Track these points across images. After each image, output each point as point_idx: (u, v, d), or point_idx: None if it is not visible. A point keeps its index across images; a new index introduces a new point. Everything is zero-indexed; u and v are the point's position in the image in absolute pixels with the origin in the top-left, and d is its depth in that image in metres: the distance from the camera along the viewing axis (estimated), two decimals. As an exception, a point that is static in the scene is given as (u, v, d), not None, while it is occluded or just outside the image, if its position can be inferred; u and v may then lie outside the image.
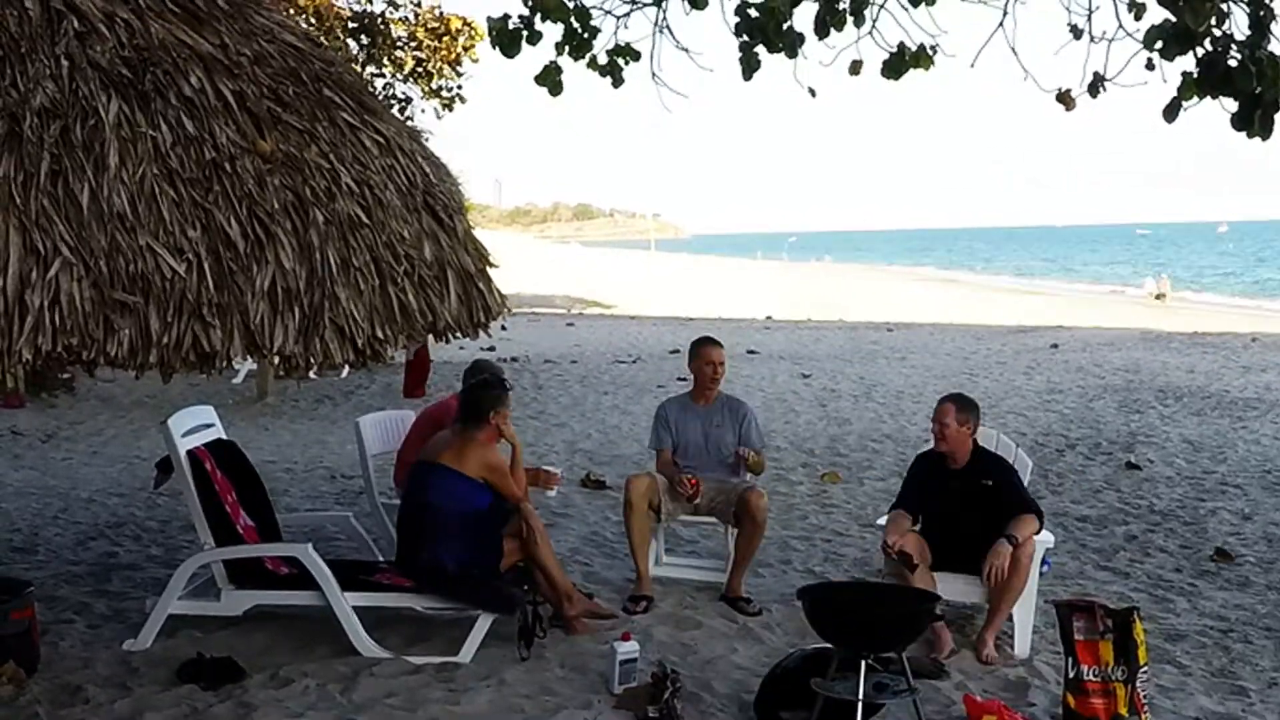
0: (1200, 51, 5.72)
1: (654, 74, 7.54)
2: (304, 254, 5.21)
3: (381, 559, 7.54)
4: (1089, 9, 6.62)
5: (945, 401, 6.97)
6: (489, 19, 7.47)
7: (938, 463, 7.01)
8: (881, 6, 7.10)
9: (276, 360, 5.26)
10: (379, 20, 19.95)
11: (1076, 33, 6.74)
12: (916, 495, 7.05)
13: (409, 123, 11.23)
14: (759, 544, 7.54)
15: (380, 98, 7.14)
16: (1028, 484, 7.31)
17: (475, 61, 20.75)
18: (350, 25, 19.56)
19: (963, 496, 6.82)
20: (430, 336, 6.09)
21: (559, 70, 7.52)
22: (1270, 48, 5.63)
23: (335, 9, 19.07)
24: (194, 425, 7.12)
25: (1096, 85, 6.62)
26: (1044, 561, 7.18)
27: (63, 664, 6.31)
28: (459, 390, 8.34)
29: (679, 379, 17.71)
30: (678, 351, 21.87)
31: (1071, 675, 5.73)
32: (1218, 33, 5.66)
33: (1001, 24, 6.80)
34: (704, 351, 7.83)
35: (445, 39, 20.11)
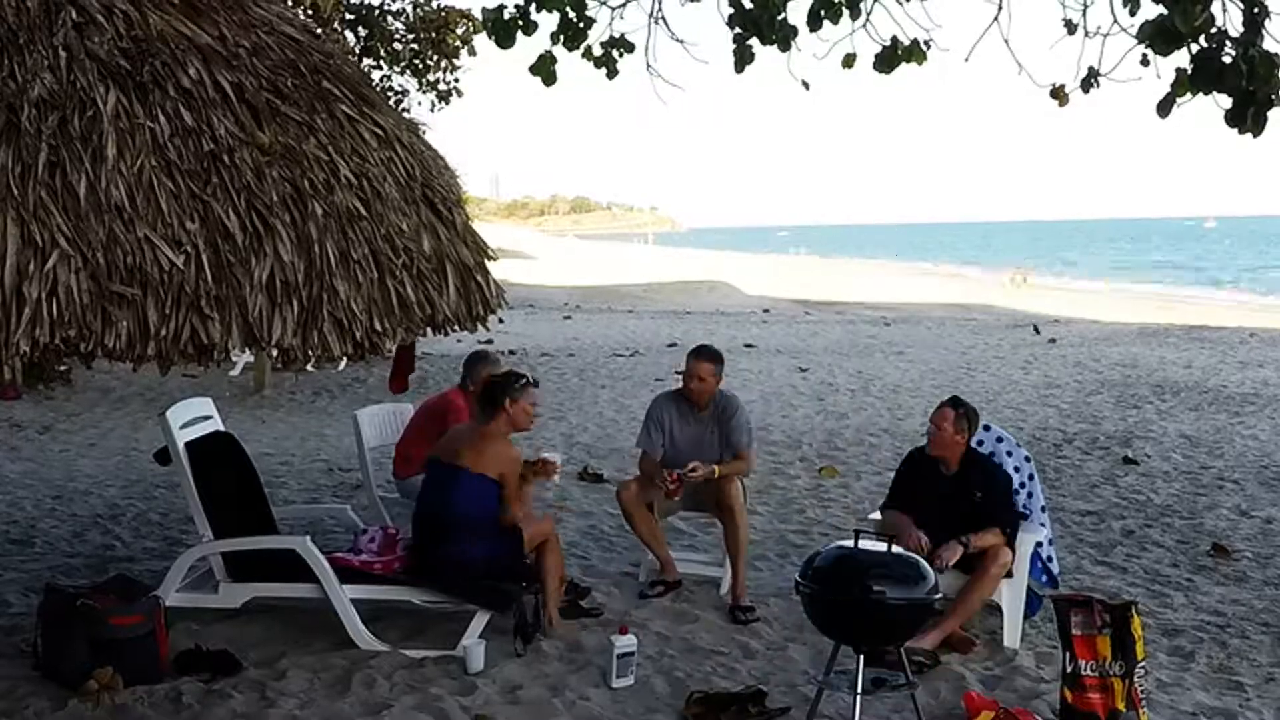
0: (1194, 48, 5.71)
1: (649, 65, 7.55)
2: (302, 246, 5.20)
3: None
4: (1084, 3, 6.63)
5: (945, 405, 6.94)
6: (484, 9, 7.48)
7: (929, 464, 7.00)
8: (876, 0, 7.10)
9: (274, 353, 5.25)
10: (376, 13, 19.91)
11: (1071, 27, 6.74)
12: (907, 495, 7.03)
13: (405, 115, 11.20)
14: (745, 535, 7.42)
15: (376, 90, 7.08)
16: (1029, 476, 7.32)
17: (473, 55, 20.71)
18: (348, 18, 19.51)
19: (950, 503, 6.77)
20: (412, 332, 6.06)
21: (553, 60, 7.53)
22: (1264, 45, 5.63)
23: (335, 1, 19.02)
24: (192, 417, 7.12)
25: (1090, 80, 6.62)
26: (1042, 571, 7.17)
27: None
28: (457, 384, 8.35)
29: (676, 372, 17.65)
30: (675, 345, 21.88)
31: (1069, 670, 5.73)
32: (1213, 29, 5.66)
33: (996, 18, 6.80)
34: (689, 365, 7.58)
35: (442, 31, 20.07)
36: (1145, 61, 6.12)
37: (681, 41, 7.55)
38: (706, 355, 7.59)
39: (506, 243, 75.80)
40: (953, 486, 6.85)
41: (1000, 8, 6.79)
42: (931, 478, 6.95)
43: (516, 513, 6.72)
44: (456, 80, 20.93)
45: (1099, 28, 6.48)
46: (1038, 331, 19.12)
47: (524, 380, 6.89)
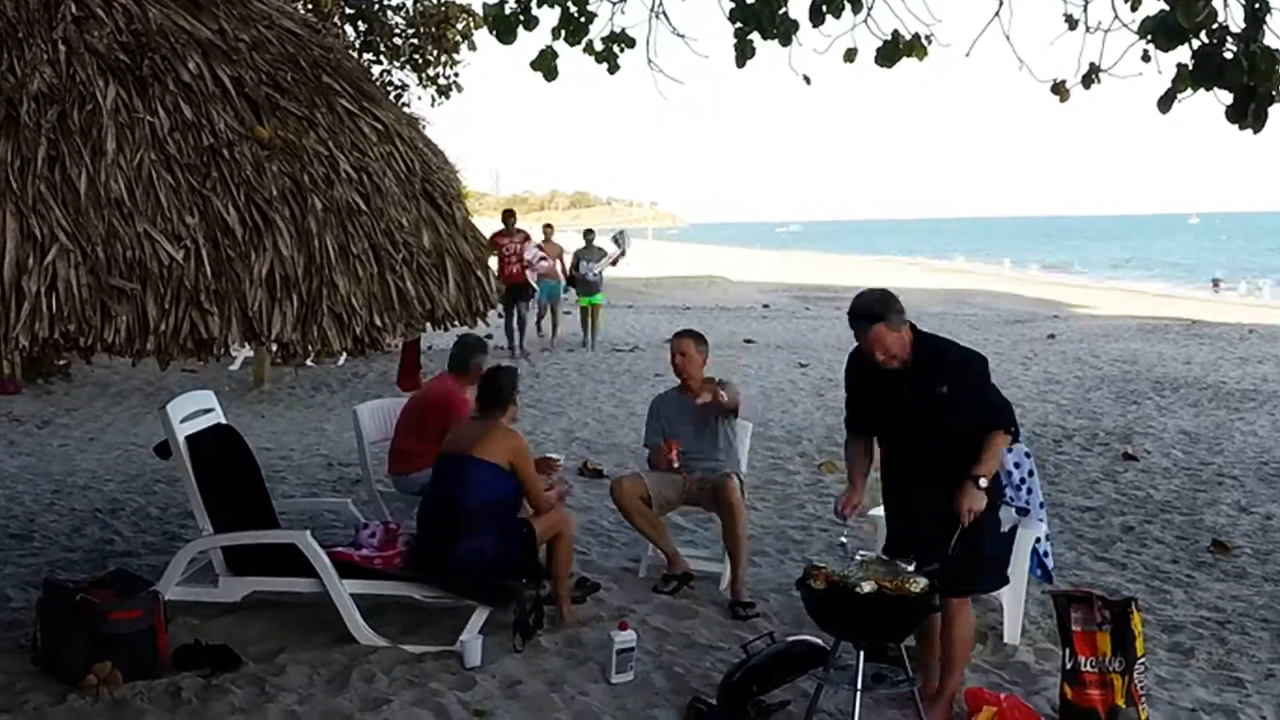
0: (1195, 44, 5.71)
1: (650, 60, 7.53)
2: (302, 241, 5.20)
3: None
4: (1085, -2, 6.61)
5: (866, 323, 5.47)
6: (485, 4, 7.46)
7: (875, 365, 5.57)
8: (877, -6, 7.08)
9: (274, 347, 5.25)
10: (376, 7, 19.89)
11: (1071, 23, 6.72)
12: (862, 409, 5.85)
13: (405, 110, 11.20)
14: (744, 531, 7.46)
15: (376, 85, 7.04)
16: (1029, 472, 7.29)
17: (473, 50, 20.70)
18: (347, 12, 19.50)
19: (914, 409, 5.52)
20: (414, 328, 6.06)
21: (554, 55, 7.51)
22: (1265, 40, 5.62)
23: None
24: (193, 410, 7.11)
25: (1091, 76, 6.61)
26: (1038, 566, 7.16)
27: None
28: (448, 370, 8.31)
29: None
30: (675, 340, 21.83)
31: (1069, 667, 5.73)
32: (1214, 25, 5.65)
33: (998, 13, 6.79)
34: (672, 344, 8.02)
35: (442, 25, 20.05)
36: (1146, 57, 6.11)
37: (682, 36, 7.53)
38: (686, 333, 8.07)
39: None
40: (913, 390, 5.52)
41: (1001, 3, 6.79)
42: (886, 383, 5.59)
43: (541, 499, 6.82)
44: (456, 75, 20.92)
45: (1100, 23, 6.47)
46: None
47: (515, 372, 7.10)
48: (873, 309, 5.46)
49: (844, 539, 5.62)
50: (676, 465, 7.57)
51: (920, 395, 5.49)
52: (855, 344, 5.69)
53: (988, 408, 5.59)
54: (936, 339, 5.73)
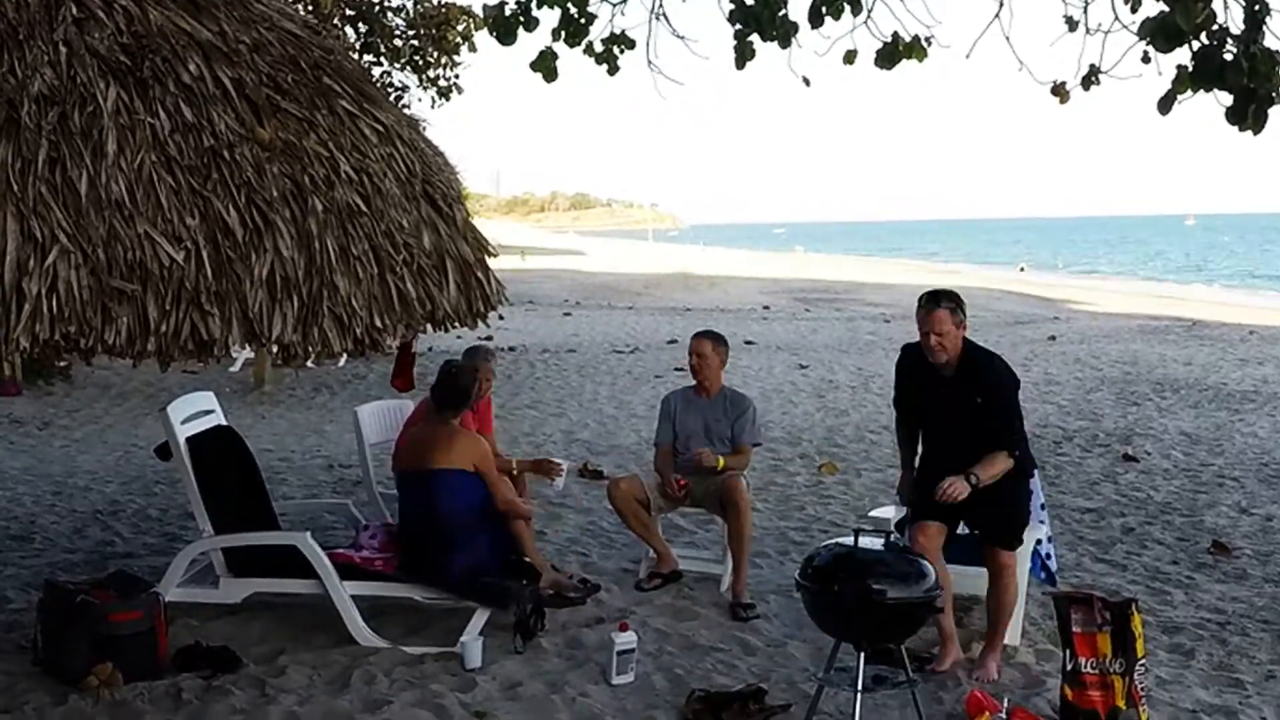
0: (1195, 45, 5.71)
1: (650, 61, 7.54)
2: (302, 242, 5.19)
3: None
4: (1085, 0, 6.62)
5: (933, 307, 6.17)
6: (485, 6, 7.47)
7: (924, 362, 6.32)
8: (877, -4, 7.09)
9: (275, 349, 5.25)
10: (376, 9, 19.89)
11: (1071, 25, 6.73)
12: (906, 401, 6.66)
13: (405, 111, 11.20)
14: (749, 532, 7.49)
15: (377, 86, 7.01)
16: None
17: (474, 51, 20.71)
18: (348, 14, 19.49)
19: (951, 406, 6.26)
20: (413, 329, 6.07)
21: (554, 56, 7.53)
22: (1265, 42, 5.62)
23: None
24: (194, 411, 7.12)
25: (1091, 78, 6.61)
26: (1041, 569, 7.16)
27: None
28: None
29: (676, 369, 17.71)
30: (675, 341, 21.86)
31: (1069, 668, 5.73)
32: (1214, 26, 5.65)
33: (998, 15, 6.80)
34: (691, 344, 7.96)
35: (442, 27, 20.06)
36: (1146, 59, 6.12)
37: (682, 38, 7.55)
38: (705, 334, 8.02)
39: (562, 243, 79.74)
40: (952, 388, 6.25)
41: (1001, 4, 6.80)
42: (929, 379, 6.33)
43: (506, 500, 6.86)
44: (457, 76, 20.93)
45: (1100, 25, 6.48)
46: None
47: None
48: (949, 294, 6.24)
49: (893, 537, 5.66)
50: (678, 497, 7.64)
51: (958, 400, 6.23)
52: (900, 348, 6.63)
53: (1004, 430, 6.23)
54: (985, 352, 6.39)
